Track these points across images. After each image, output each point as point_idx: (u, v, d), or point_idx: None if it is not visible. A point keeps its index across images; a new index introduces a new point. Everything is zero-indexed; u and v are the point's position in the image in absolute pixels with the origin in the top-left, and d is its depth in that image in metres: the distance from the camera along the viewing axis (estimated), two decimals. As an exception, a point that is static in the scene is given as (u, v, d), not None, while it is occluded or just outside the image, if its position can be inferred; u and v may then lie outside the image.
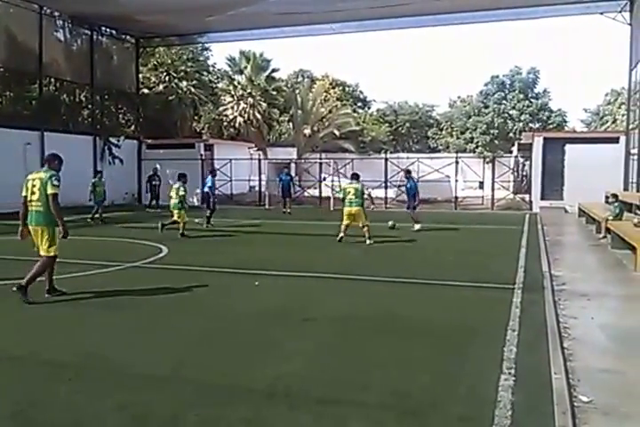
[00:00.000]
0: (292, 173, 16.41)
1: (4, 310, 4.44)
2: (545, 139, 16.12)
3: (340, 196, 8.70)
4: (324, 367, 3.08)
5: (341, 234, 8.34)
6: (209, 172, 11.98)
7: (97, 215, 11.81)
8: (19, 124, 15.60)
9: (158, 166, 16.87)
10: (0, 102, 16.46)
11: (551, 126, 28.08)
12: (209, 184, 11.08)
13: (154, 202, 15.62)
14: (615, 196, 9.18)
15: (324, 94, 28.41)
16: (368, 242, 8.14)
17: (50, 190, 4.53)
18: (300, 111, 24.95)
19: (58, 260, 4.77)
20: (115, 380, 2.90)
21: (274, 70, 25.91)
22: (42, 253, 4.62)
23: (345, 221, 8.36)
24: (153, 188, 15.84)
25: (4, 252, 7.13)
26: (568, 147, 15.61)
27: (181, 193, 8.97)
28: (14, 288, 4.57)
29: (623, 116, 24.30)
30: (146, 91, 22.09)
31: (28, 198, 4.65)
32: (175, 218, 9.21)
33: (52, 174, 4.63)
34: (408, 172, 10.60)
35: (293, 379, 2.90)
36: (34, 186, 4.62)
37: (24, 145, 15.36)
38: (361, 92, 36.04)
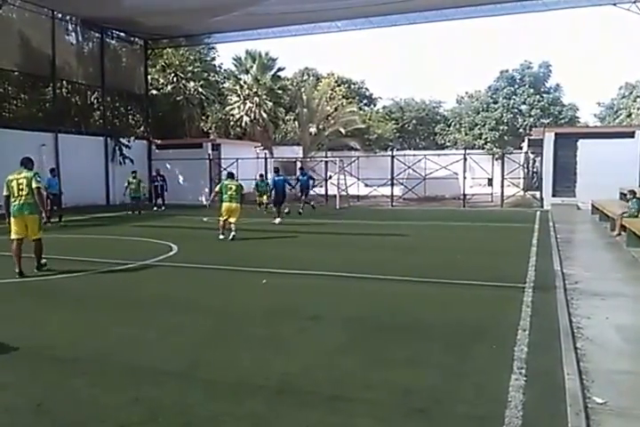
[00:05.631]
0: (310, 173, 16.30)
1: (20, 307, 4.53)
2: (557, 134, 15.87)
3: (217, 190, 9.07)
4: (332, 365, 3.08)
5: (221, 231, 8.72)
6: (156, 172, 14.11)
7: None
8: (34, 127, 15.92)
9: (162, 167, 18.00)
10: (15, 105, 16.75)
11: (563, 121, 27.56)
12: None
13: (159, 201, 16.53)
14: (633, 192, 8.99)
15: (330, 92, 28.26)
16: (222, 236, 8.62)
17: (34, 185, 5.51)
18: (305, 110, 24.85)
19: (73, 259, 5.80)
20: (128, 375, 2.95)
21: (279, 69, 25.84)
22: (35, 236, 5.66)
23: (224, 217, 8.72)
24: (156, 188, 16.67)
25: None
26: (581, 142, 15.31)
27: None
28: (37, 270, 5.71)
29: (638, 109, 23.77)
30: (154, 92, 22.27)
31: (16, 194, 5.49)
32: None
33: (36, 173, 5.66)
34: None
35: (303, 376, 2.91)
36: (20, 184, 5.50)
37: (39, 146, 15.67)
38: (367, 89, 35.79)
